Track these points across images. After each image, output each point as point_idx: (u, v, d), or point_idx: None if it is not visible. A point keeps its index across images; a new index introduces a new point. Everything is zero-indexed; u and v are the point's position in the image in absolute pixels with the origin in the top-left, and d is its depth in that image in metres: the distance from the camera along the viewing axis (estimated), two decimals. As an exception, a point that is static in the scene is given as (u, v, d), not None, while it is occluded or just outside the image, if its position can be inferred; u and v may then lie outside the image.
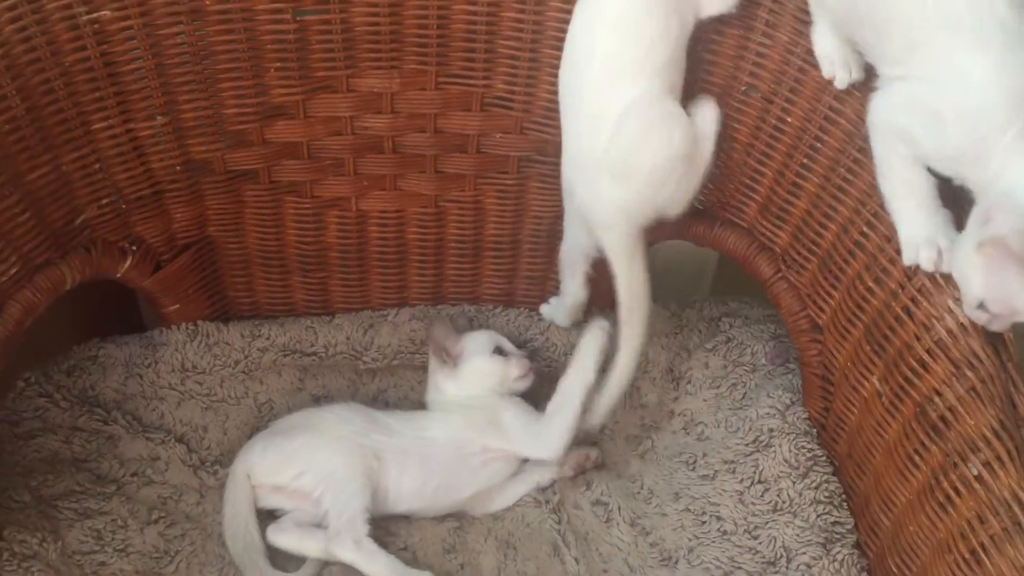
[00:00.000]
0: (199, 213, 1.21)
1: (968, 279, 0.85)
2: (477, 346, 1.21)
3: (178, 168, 1.16)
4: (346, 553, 1.07)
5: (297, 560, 1.10)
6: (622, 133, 1.02)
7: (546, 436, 1.14)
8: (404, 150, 1.23)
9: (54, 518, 1.08)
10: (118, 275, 1.17)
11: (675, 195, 1.07)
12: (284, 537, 1.11)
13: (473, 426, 1.15)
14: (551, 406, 1.15)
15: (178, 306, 1.25)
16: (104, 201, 1.11)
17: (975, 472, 0.85)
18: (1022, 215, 0.81)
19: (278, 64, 1.14)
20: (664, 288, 1.41)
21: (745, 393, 1.18)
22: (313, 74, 1.16)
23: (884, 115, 0.92)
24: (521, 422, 1.15)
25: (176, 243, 1.21)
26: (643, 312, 1.12)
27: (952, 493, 0.86)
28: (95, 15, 1.03)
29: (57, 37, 1.01)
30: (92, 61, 1.05)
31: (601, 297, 1.31)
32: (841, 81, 1.01)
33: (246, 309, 1.32)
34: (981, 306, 0.85)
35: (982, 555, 0.83)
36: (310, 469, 1.12)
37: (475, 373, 1.20)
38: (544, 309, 1.32)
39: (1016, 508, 0.82)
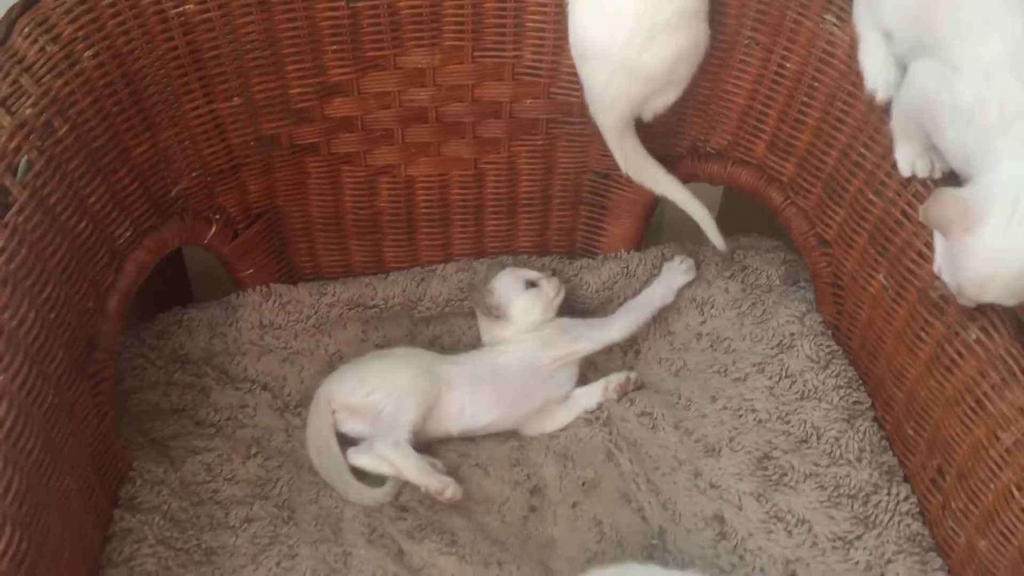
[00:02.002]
0: (269, 185, 1.35)
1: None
2: (509, 290, 1.36)
3: (252, 143, 1.30)
4: (386, 450, 1.21)
5: (377, 480, 1.24)
6: (661, 47, 1.17)
7: (619, 326, 1.33)
8: (445, 119, 1.38)
9: (169, 455, 1.22)
10: (205, 241, 1.30)
11: (671, 95, 1.24)
12: (363, 458, 1.24)
13: (543, 344, 1.31)
14: (630, 303, 1.36)
15: (252, 271, 1.39)
16: (193, 174, 1.25)
17: (974, 337, 1.01)
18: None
19: (334, 47, 1.28)
20: (675, 232, 1.58)
21: (765, 309, 1.34)
22: (364, 54, 1.30)
23: (921, 85, 1.01)
24: (585, 323, 1.34)
25: (250, 212, 1.35)
26: (651, 164, 1.31)
27: (956, 357, 1.03)
28: (181, 9, 1.17)
29: (151, 29, 1.15)
30: (180, 50, 1.18)
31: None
32: (882, 99, 1.11)
33: (309, 272, 1.46)
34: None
35: (986, 402, 0.99)
36: (381, 387, 1.26)
37: (522, 312, 1.35)
38: None
39: (1011, 361, 0.98)
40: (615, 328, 1.34)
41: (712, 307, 1.39)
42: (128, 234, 1.16)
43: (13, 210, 0.98)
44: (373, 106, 1.35)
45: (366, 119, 1.36)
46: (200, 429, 1.28)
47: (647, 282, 1.45)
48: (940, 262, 0.97)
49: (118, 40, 1.13)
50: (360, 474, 1.24)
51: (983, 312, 1.01)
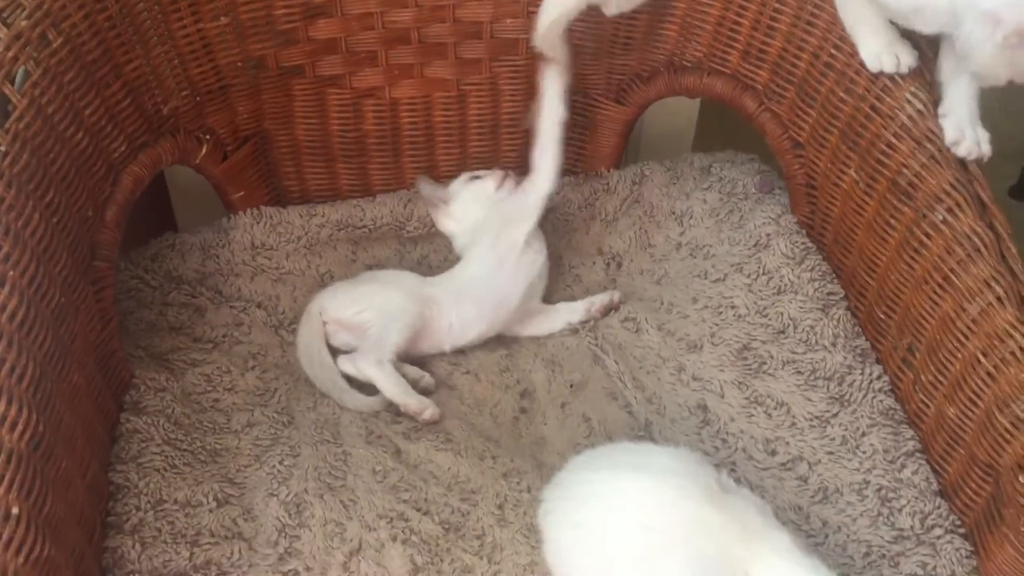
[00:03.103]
0: (256, 107, 1.38)
1: (996, 72, 1.00)
2: (457, 184, 1.43)
3: (239, 64, 1.33)
4: (369, 369, 1.25)
5: (372, 389, 1.28)
6: None
7: (542, 174, 1.35)
8: (428, 40, 1.41)
9: (169, 367, 1.26)
10: (196, 161, 1.33)
11: None
12: (351, 365, 1.28)
13: (496, 238, 1.34)
14: (536, 150, 1.36)
15: (242, 193, 1.42)
16: (184, 93, 1.28)
17: (940, 218, 1.06)
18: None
19: (318, -35, 1.32)
20: (653, 150, 1.63)
21: (742, 215, 1.38)
22: (347, -26, 1.34)
23: None
24: (518, 193, 1.38)
25: (239, 134, 1.38)
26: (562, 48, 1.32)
27: (924, 238, 1.08)
28: (167, -76, 1.20)
29: (138, -56, 1.18)
30: (167, -34, 1.21)
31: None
32: None
33: (297, 196, 1.49)
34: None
35: (952, 278, 1.05)
36: (370, 307, 1.30)
37: (465, 201, 1.41)
38: None
39: (975, 239, 1.04)
40: (542, 183, 1.36)
41: (691, 218, 1.43)
42: (123, 148, 1.19)
43: (13, 117, 1.01)
44: (356, 27, 1.38)
45: (350, 40, 1.39)
46: (198, 345, 1.31)
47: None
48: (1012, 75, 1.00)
49: (107, -46, 1.15)
50: (354, 383, 1.28)
51: (948, 194, 1.06)
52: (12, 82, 1.02)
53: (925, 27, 1.08)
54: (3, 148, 0.98)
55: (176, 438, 1.15)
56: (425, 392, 1.26)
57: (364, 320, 1.30)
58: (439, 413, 1.24)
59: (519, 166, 1.53)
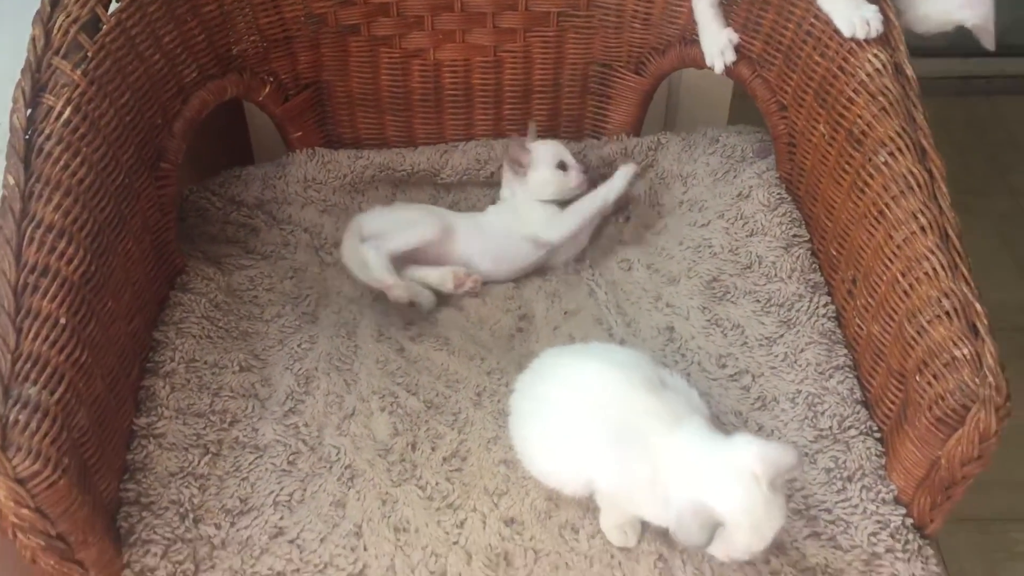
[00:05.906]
0: (316, 59, 1.60)
1: None
2: (544, 158, 1.54)
3: (302, 19, 1.55)
4: (368, 252, 1.44)
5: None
6: None
7: (556, 225, 1.51)
8: (469, 9, 1.60)
9: (220, 267, 1.47)
10: (260, 99, 1.55)
11: None
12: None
13: (517, 220, 1.52)
14: (573, 205, 1.52)
15: (300, 134, 1.64)
16: (252, 38, 1.50)
17: (883, 160, 1.18)
18: None
19: (375, -63, 1.53)
20: (688, 121, 1.77)
21: (737, 175, 1.52)
22: (400, -54, 1.55)
23: None
24: (545, 215, 1.52)
25: (300, 81, 1.60)
26: None
27: (868, 178, 1.20)
28: None
29: (219, -95, 1.41)
30: (241, -74, 1.45)
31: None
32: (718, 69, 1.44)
33: (349, 141, 1.69)
34: None
35: (886, 211, 1.16)
36: (396, 220, 1.51)
37: (539, 182, 1.54)
38: None
39: (910, 178, 1.15)
40: (552, 233, 1.51)
41: (694, 178, 1.57)
42: (194, 75, 1.42)
43: (102, 32, 1.24)
44: (407, -7, 1.59)
45: (401, 5, 1.59)
46: (249, 256, 1.53)
47: (641, 163, 1.63)
48: None
49: (185, -88, 1.39)
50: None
51: (892, 140, 1.18)
52: (106, 7, 1.26)
53: None
54: (90, 55, 1.21)
55: (215, 316, 1.36)
56: (438, 293, 1.46)
57: (388, 229, 1.49)
58: (407, 295, 1.41)
59: (549, 131, 1.71)
